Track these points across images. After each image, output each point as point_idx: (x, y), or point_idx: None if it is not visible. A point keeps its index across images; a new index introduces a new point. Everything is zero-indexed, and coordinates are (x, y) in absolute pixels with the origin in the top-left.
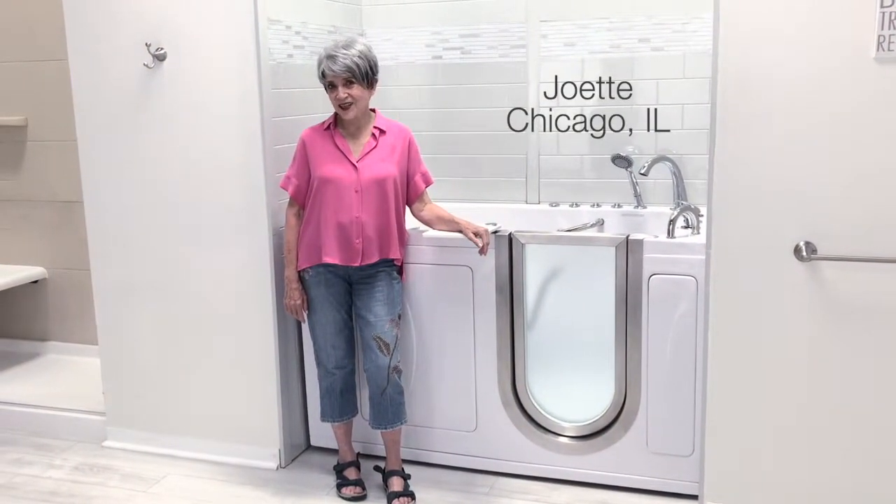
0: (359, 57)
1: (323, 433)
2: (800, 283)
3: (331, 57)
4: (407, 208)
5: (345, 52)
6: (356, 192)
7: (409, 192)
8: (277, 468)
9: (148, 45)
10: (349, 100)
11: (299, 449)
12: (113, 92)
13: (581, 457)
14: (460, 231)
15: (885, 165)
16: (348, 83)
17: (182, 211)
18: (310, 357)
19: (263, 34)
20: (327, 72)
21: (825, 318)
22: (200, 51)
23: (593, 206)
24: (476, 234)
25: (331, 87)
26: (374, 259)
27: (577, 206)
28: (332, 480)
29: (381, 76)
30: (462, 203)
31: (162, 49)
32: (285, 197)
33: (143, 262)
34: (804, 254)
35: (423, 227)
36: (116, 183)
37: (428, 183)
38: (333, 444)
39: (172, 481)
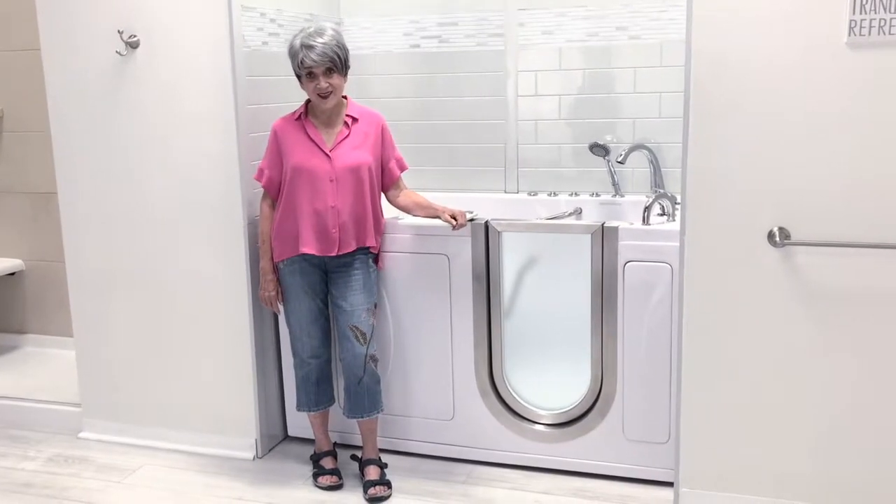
0: (336, 46)
1: (300, 423)
2: (773, 268)
3: (309, 46)
4: (383, 195)
5: (321, 40)
6: (331, 181)
7: (385, 178)
8: (254, 458)
9: (121, 33)
10: (329, 89)
11: (276, 439)
12: (86, 80)
13: (558, 445)
14: (437, 216)
15: (857, 150)
16: (328, 72)
17: (157, 200)
18: (287, 347)
19: (237, 21)
20: (307, 61)
21: (799, 302)
22: (174, 38)
23: (571, 195)
24: (452, 217)
25: (310, 76)
26: (352, 248)
27: (555, 195)
28: (308, 470)
29: (358, 65)
30: (441, 192)
31: (135, 36)
32: (260, 186)
33: (118, 252)
34: (777, 239)
35: (399, 214)
36: (90, 173)
37: (403, 169)
38: (311, 434)
39: (148, 472)
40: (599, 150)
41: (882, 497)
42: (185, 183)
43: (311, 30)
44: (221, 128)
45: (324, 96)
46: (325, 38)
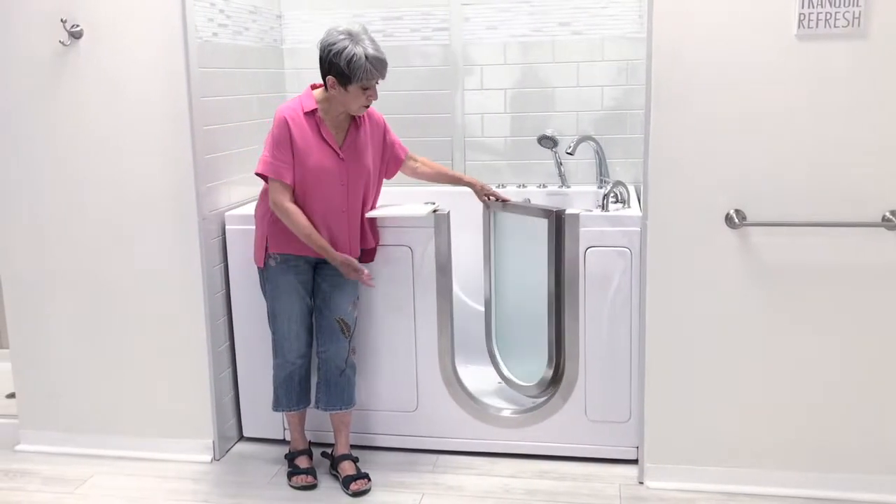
0: None
1: (256, 423)
2: (731, 248)
3: (379, 61)
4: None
5: (380, 52)
6: (342, 185)
7: (391, 164)
8: (212, 461)
9: (64, 21)
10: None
11: (232, 440)
12: (25, 71)
13: (522, 429)
14: (465, 185)
15: (806, 136)
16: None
17: (100, 198)
18: (241, 344)
19: (191, 10)
20: (372, 76)
21: (755, 280)
22: (119, 28)
23: (519, 186)
24: (488, 195)
25: (365, 88)
26: (357, 253)
27: (503, 187)
28: (271, 470)
29: (299, 60)
30: (393, 186)
31: (78, 26)
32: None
33: (56, 255)
34: (735, 221)
35: None
36: (28, 169)
37: (404, 151)
38: (267, 434)
39: (100, 481)
40: (548, 141)
41: (835, 461)
42: (133, 179)
43: (361, 35)
44: (174, 121)
45: (368, 107)
46: (379, 47)
